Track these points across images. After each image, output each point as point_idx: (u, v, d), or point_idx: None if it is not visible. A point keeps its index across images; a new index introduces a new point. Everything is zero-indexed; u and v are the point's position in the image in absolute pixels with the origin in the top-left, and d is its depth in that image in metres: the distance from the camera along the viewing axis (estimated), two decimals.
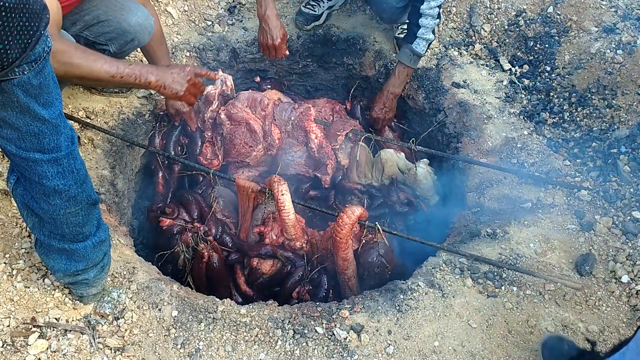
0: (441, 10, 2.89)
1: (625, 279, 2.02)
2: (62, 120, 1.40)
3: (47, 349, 1.69)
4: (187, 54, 3.08)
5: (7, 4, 1.03)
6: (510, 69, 3.06)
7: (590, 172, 2.48)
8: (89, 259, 1.67)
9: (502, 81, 3.01)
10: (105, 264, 1.76)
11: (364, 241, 2.30)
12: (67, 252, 1.63)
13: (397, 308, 1.95)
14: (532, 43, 3.09)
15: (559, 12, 3.10)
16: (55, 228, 1.57)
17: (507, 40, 3.16)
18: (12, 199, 1.70)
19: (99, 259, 1.71)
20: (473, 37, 3.18)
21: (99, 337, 1.76)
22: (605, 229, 2.21)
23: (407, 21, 2.88)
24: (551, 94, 2.88)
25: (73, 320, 1.78)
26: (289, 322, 1.91)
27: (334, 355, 1.81)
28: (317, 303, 2.04)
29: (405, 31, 3.01)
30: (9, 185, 1.56)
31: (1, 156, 2.18)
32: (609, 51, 2.82)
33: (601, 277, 2.06)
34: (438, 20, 2.75)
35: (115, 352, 1.74)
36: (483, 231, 2.28)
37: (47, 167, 1.42)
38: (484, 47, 3.16)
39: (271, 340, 1.85)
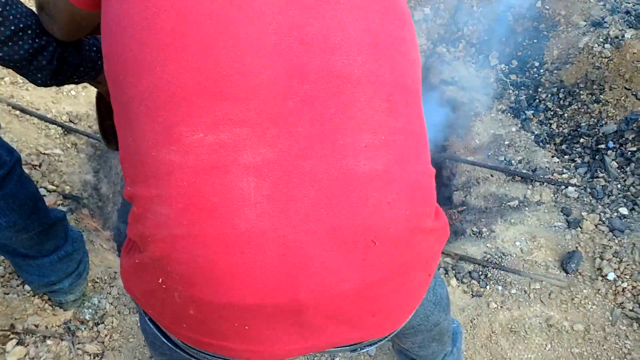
0: None
1: (611, 276, 2.00)
2: None
3: (26, 355, 1.67)
4: None
5: None
6: (497, 65, 3.04)
7: (578, 169, 2.46)
8: (59, 270, 1.64)
9: (490, 77, 2.99)
10: (81, 271, 1.73)
11: None
12: (33, 267, 1.60)
13: None
14: (520, 38, 3.06)
15: (548, 7, 3.07)
16: (16, 248, 1.54)
17: (495, 36, 3.14)
18: None
19: (73, 269, 1.68)
20: (460, 34, 3.16)
21: (78, 343, 1.75)
22: (592, 226, 2.18)
23: None
24: (539, 89, 2.85)
25: (52, 327, 1.77)
26: None
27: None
28: None
29: None
30: None
31: None
32: (597, 45, 2.79)
33: (587, 274, 2.03)
34: None
35: (94, 358, 1.73)
36: (468, 230, 2.26)
37: None
38: (472, 44, 3.14)
39: None
